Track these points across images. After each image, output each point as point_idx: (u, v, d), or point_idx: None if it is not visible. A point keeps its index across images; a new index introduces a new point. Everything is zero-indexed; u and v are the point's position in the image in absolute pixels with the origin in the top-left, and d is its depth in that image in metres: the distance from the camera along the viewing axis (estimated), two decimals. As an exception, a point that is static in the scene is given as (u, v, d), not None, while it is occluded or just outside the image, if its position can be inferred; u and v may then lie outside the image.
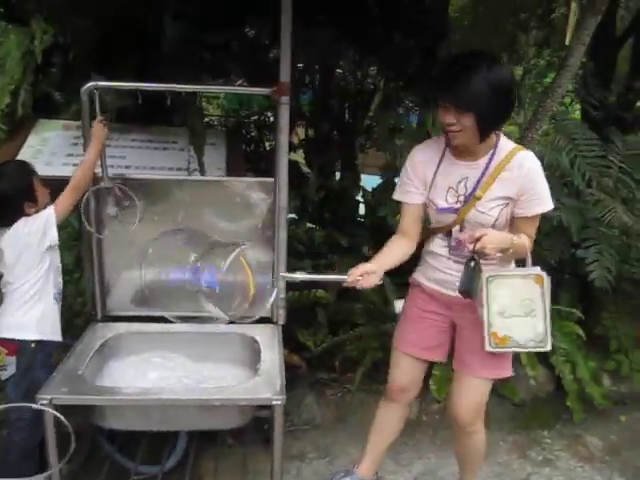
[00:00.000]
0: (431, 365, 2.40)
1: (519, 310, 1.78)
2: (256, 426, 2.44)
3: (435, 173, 1.86)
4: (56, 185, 2.20)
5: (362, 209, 3.53)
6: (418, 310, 2.03)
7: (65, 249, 2.75)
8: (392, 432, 2.21)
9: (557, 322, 2.86)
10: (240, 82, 3.19)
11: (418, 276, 2.05)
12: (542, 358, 2.79)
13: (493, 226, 1.79)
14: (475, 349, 1.87)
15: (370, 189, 3.48)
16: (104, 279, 2.36)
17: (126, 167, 2.78)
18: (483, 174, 1.79)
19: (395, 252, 1.95)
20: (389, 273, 3.05)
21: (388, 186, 3.15)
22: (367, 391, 2.91)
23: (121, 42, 2.54)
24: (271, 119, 3.77)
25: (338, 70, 3.22)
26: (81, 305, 2.50)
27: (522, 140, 2.66)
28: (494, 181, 1.78)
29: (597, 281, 2.51)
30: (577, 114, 5.21)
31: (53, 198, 2.09)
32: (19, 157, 2.52)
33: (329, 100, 3.06)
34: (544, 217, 2.91)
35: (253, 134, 3.73)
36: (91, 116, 2.20)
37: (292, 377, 2.85)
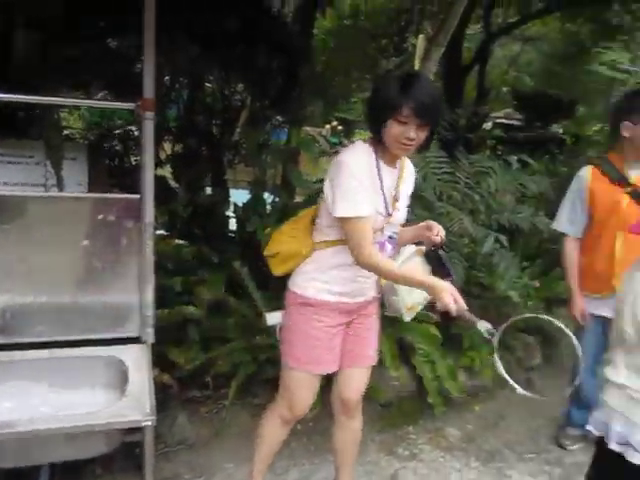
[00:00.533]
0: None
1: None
2: (126, 452, 2.35)
3: (381, 182, 1.89)
4: None
5: (232, 224, 3.55)
6: (327, 328, 2.00)
7: None
8: (279, 446, 2.27)
9: (416, 326, 3.09)
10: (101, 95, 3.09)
11: (319, 294, 1.97)
12: (404, 359, 2.99)
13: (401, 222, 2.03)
14: (372, 342, 2.14)
15: (240, 204, 3.51)
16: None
17: (-26, 183, 2.58)
18: (400, 176, 1.96)
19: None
20: (260, 287, 3.12)
21: (257, 201, 3.21)
22: (242, 405, 2.92)
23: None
24: (136, 133, 3.68)
25: (207, 85, 3.23)
26: None
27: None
28: (402, 182, 1.97)
29: (449, 285, 2.76)
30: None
31: None
32: None
33: (196, 116, 3.06)
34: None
35: (117, 148, 3.60)
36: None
37: (163, 397, 2.77)
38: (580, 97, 9.23)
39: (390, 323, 3.01)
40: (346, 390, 2.17)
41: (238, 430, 2.81)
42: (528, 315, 2.12)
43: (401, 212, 2.00)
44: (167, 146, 3.05)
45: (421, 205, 3.15)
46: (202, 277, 3.04)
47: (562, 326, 1.77)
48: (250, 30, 2.48)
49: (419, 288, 1.83)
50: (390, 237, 1.98)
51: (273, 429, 2.19)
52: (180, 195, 3.25)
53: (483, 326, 1.85)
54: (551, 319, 1.85)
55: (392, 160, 1.92)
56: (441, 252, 1.93)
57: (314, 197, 3.55)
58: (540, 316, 1.94)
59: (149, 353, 2.26)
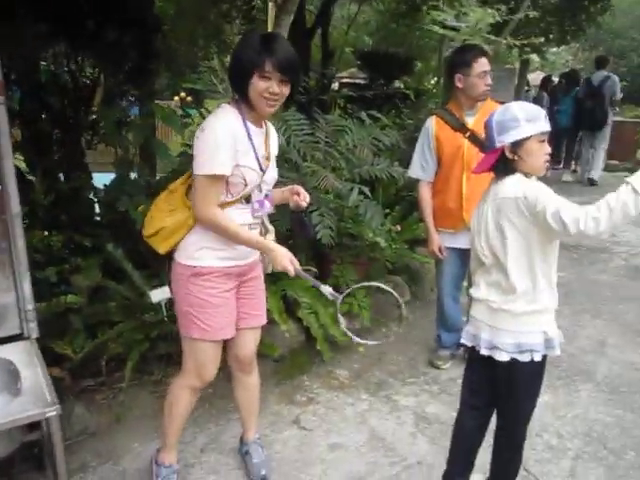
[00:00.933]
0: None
1: None
2: (24, 454, 2.28)
3: (251, 141, 1.95)
4: None
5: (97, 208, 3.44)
6: (223, 294, 2.07)
7: None
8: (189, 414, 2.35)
9: (297, 281, 3.27)
10: None
11: (211, 261, 2.03)
12: (291, 313, 3.17)
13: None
14: (262, 302, 2.28)
15: (102, 186, 3.39)
16: None
17: None
18: (267, 136, 2.05)
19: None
20: (140, 267, 3.09)
21: (123, 181, 3.13)
22: (139, 385, 2.93)
23: None
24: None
25: (51, 65, 3.02)
26: None
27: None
28: (269, 141, 2.06)
29: (323, 239, 2.97)
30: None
31: None
32: None
33: (45, 97, 2.86)
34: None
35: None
36: None
37: (56, 391, 2.68)
38: (416, 53, 9.89)
39: (272, 281, 3.17)
40: (242, 349, 2.29)
41: (139, 410, 2.83)
42: (367, 284, 2.44)
43: (272, 171, 2.12)
44: (16, 132, 2.84)
45: (288, 167, 3.30)
46: (77, 264, 2.94)
47: (390, 290, 2.19)
48: (98, 3, 2.38)
49: (260, 250, 2.06)
50: (266, 195, 2.10)
51: (183, 400, 2.26)
52: (37, 183, 3.07)
53: (326, 290, 2.02)
54: (383, 286, 2.21)
55: (258, 120, 2.01)
56: (305, 215, 2.10)
57: (178, 171, 3.55)
58: (376, 284, 2.26)
59: (36, 348, 2.19)
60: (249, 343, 2.30)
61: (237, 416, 2.85)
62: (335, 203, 3.36)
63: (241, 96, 1.94)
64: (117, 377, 2.88)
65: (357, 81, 11.42)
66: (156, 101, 4.05)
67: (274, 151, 2.15)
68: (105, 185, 3.41)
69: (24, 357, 2.12)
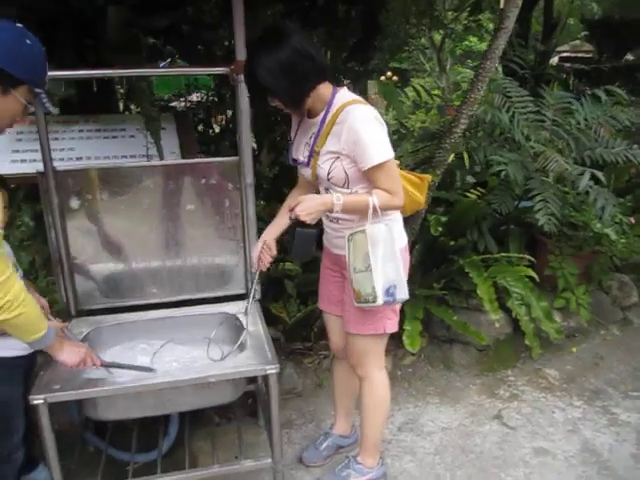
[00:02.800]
0: (402, 320, 2.54)
1: (362, 265, 1.82)
2: (241, 402, 2.51)
3: (297, 130, 1.99)
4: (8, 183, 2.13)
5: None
6: (323, 267, 2.21)
7: (21, 250, 2.68)
8: (350, 386, 2.34)
9: (510, 268, 3.07)
10: (165, 64, 3.13)
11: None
12: (500, 304, 2.99)
13: (329, 180, 1.89)
14: (349, 305, 2.01)
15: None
16: (73, 274, 2.32)
17: (77, 159, 2.72)
18: (320, 129, 1.88)
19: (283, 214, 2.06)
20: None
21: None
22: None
23: (59, 29, 2.44)
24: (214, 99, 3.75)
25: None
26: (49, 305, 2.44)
27: (464, 102, 2.80)
28: (327, 135, 1.85)
29: (545, 226, 2.72)
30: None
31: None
32: (-40, 158, 2.39)
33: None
34: (490, 173, 3.09)
35: (201, 116, 3.69)
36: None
37: (272, 350, 2.92)
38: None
39: (485, 267, 3.01)
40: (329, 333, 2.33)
41: (341, 378, 2.93)
42: None
43: (319, 167, 1.90)
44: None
45: (509, 147, 3.08)
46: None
47: None
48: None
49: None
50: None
51: (333, 369, 2.43)
52: (263, 157, 3.31)
53: None
54: None
55: (308, 112, 1.90)
56: (298, 229, 1.82)
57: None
58: None
59: (259, 308, 2.37)
60: (347, 348, 2.17)
61: (436, 400, 2.82)
62: (558, 188, 3.05)
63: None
64: (323, 345, 3.01)
65: (580, 55, 10.32)
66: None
67: (327, 145, 1.87)
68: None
69: (250, 315, 2.30)
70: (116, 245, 2.35)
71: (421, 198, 2.07)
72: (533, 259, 3.10)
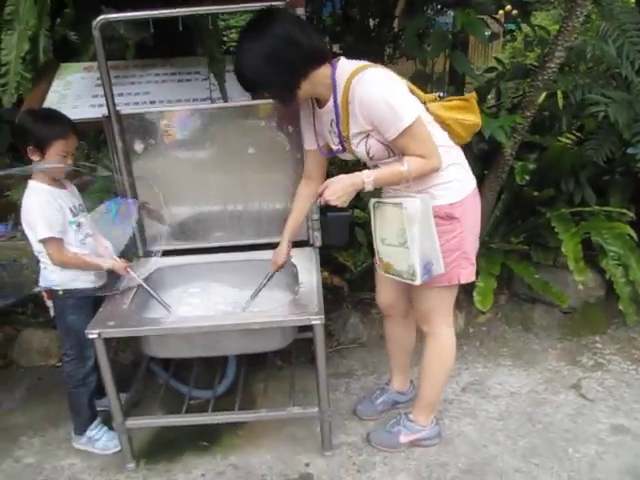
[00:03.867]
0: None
1: (395, 239, 1.72)
2: (302, 347, 2.51)
3: (313, 122, 1.88)
4: (85, 127, 2.22)
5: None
6: None
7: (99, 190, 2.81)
8: (404, 343, 2.27)
9: (607, 224, 2.72)
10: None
11: None
12: (592, 263, 2.68)
13: (371, 159, 1.79)
14: None
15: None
16: (141, 216, 2.40)
17: (151, 102, 2.76)
18: (337, 114, 1.73)
19: (299, 209, 2.08)
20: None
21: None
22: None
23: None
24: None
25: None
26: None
27: (560, 31, 2.44)
28: (348, 117, 1.71)
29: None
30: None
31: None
32: (45, 104, 2.51)
33: (348, 10, 2.86)
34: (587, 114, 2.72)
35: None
36: (106, 54, 2.17)
37: (335, 298, 2.88)
38: None
39: (575, 221, 2.71)
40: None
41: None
42: None
43: (356, 149, 1.79)
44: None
45: (616, 85, 2.67)
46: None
47: None
48: None
49: None
50: None
51: (383, 324, 2.31)
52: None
53: None
54: None
55: (316, 102, 1.83)
56: (330, 215, 1.74)
57: (482, 89, 3.22)
58: None
59: (317, 256, 2.31)
60: (412, 303, 2.05)
61: (509, 362, 2.64)
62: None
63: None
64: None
65: None
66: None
67: (352, 127, 1.77)
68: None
69: (306, 263, 2.26)
70: (179, 188, 2.39)
71: (475, 119, 1.85)
72: (634, 216, 2.71)
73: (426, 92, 1.86)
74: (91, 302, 2.09)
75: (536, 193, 2.74)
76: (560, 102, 2.64)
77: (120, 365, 2.62)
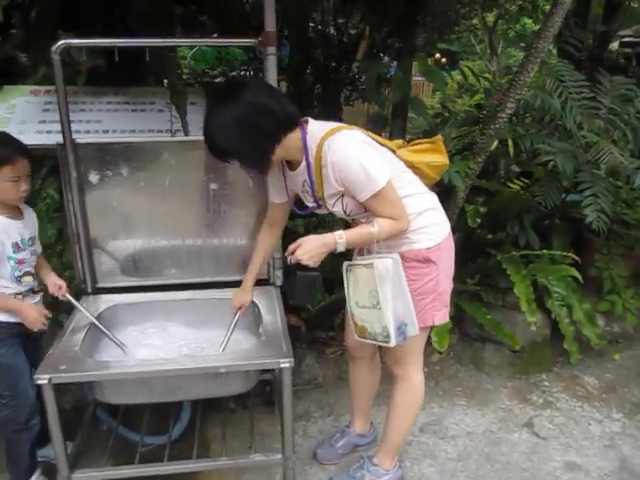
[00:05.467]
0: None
1: (367, 301, 1.73)
2: (257, 389, 2.42)
3: (285, 180, 1.87)
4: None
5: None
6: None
7: (46, 221, 2.64)
8: (369, 386, 2.24)
9: (552, 266, 2.86)
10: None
11: None
12: (539, 304, 2.79)
13: (348, 215, 1.80)
14: None
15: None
16: (91, 250, 2.26)
17: (104, 132, 2.65)
18: (310, 177, 1.75)
19: (262, 255, 2.11)
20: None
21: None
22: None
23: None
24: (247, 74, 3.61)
25: (319, 20, 3.05)
26: (69, 279, 2.40)
27: (512, 85, 2.59)
28: (322, 179, 1.72)
29: (594, 223, 2.50)
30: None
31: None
32: (-15, 128, 2.35)
33: (311, 52, 2.91)
34: (537, 163, 2.88)
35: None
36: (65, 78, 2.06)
37: (291, 338, 2.81)
38: None
39: (524, 263, 2.82)
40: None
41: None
42: None
43: (331, 207, 1.80)
44: (283, 86, 2.94)
45: (559, 136, 2.85)
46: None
47: None
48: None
49: None
50: None
51: (348, 366, 2.26)
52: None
53: None
54: None
55: (288, 165, 1.82)
56: (300, 274, 1.72)
57: (430, 132, 3.34)
58: None
59: (279, 295, 2.27)
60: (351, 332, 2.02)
61: (463, 402, 2.67)
62: (610, 182, 2.81)
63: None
64: (346, 335, 2.89)
65: (644, 40, 9.71)
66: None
67: (327, 189, 1.77)
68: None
69: (268, 302, 2.20)
70: (136, 223, 2.28)
71: (444, 159, 1.90)
72: (577, 258, 2.87)
73: (380, 134, 1.91)
74: (17, 336, 1.91)
75: (490, 236, 2.84)
76: (511, 150, 2.78)
77: (60, 410, 2.41)
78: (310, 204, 1.86)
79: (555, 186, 2.77)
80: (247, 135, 1.59)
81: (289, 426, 1.94)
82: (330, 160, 1.65)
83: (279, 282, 2.34)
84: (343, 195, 1.72)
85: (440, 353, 2.82)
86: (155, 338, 2.12)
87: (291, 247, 1.67)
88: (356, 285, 1.78)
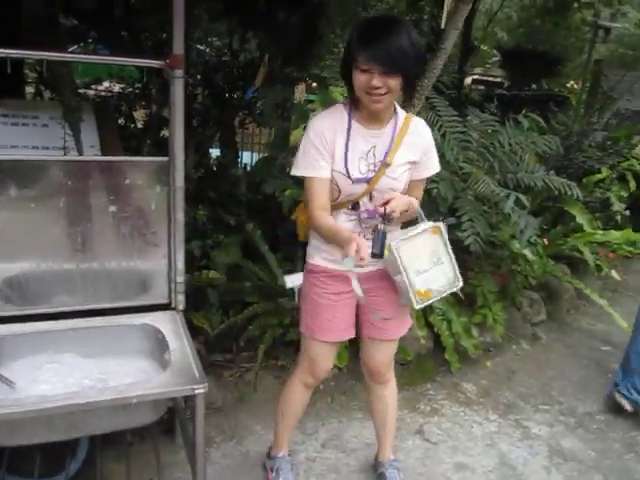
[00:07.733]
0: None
1: (428, 263, 1.87)
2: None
3: (346, 143, 1.79)
4: None
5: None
6: (328, 295, 1.96)
7: None
8: (303, 410, 2.26)
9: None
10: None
11: (319, 261, 1.96)
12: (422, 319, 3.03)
13: (394, 191, 1.82)
14: (391, 311, 1.99)
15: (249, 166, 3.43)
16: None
17: (-20, 147, 2.43)
18: (391, 140, 1.82)
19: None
20: (273, 249, 3.08)
21: (270, 163, 3.13)
22: (265, 368, 2.93)
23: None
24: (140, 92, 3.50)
25: (216, 44, 3.08)
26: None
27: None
28: (399, 147, 1.81)
29: (472, 246, 2.78)
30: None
31: None
32: None
33: (208, 75, 2.91)
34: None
35: (122, 109, 3.42)
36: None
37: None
38: (559, 53, 9.23)
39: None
40: (369, 360, 2.18)
41: (263, 393, 2.82)
42: None
43: (388, 179, 1.82)
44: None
45: (442, 165, 3.13)
46: (219, 241, 2.98)
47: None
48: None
49: (337, 242, 1.77)
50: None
51: (296, 394, 2.17)
52: (189, 157, 3.15)
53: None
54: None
55: (371, 119, 1.81)
56: (380, 226, 1.75)
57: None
58: None
59: (182, 319, 2.22)
60: (377, 356, 2.15)
61: (360, 415, 2.79)
62: (484, 209, 3.14)
63: (349, 92, 1.79)
64: (245, 357, 2.90)
65: (491, 79, 10.90)
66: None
67: (404, 157, 1.84)
68: (253, 165, 3.43)
69: (171, 327, 2.14)
70: (23, 246, 2.11)
71: None
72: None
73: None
74: None
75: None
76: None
77: None
78: (361, 175, 1.80)
79: (435, 210, 3.03)
80: (421, 61, 1.80)
81: (201, 454, 1.91)
82: (423, 133, 1.88)
83: (182, 306, 2.29)
84: (410, 168, 1.87)
85: (340, 369, 2.93)
86: (51, 370, 1.97)
87: (386, 196, 1.75)
88: (413, 254, 1.83)
